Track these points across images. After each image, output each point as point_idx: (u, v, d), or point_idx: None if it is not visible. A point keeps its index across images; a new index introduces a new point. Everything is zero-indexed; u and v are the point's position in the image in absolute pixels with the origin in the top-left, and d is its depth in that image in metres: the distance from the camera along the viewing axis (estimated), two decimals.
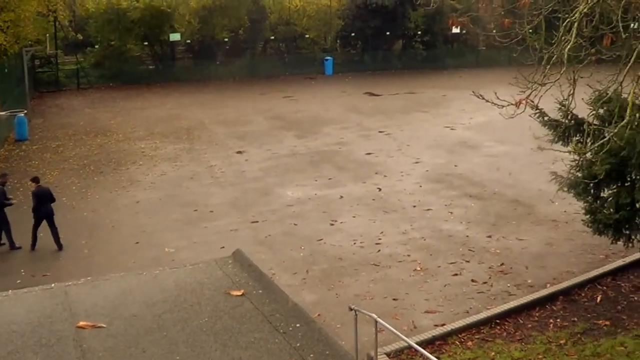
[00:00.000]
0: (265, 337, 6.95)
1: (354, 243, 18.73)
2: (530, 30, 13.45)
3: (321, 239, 19.02)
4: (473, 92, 12.45)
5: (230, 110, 38.10)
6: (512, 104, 10.67)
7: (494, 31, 19.81)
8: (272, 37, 50.19)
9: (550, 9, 13.76)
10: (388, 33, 50.25)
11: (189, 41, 47.59)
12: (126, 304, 7.75)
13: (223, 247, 17.58)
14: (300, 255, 18.01)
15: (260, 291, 8.53)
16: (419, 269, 17.10)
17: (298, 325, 7.19)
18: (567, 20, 11.19)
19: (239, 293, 8.48)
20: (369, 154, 28.25)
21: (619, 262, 17.23)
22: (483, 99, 11.42)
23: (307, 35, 49.96)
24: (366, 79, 47.42)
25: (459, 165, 26.28)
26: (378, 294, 15.82)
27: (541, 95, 10.90)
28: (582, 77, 12.03)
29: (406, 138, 30.82)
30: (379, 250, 18.20)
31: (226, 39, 47.85)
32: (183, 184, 24.82)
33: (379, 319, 11.27)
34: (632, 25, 12.93)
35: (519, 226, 19.91)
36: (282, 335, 7.00)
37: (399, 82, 45.71)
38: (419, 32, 50.70)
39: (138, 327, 6.97)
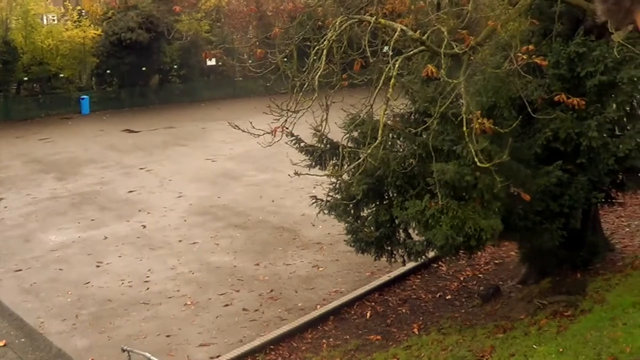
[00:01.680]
0: None
1: (122, 283, 18.38)
2: (285, 59, 13.73)
3: (88, 282, 18.53)
4: (229, 123, 12.57)
5: None
6: (267, 133, 10.85)
7: (250, 62, 20.11)
8: (26, 78, 48.42)
9: (302, 37, 14.14)
10: (144, 68, 49.73)
11: None
12: None
13: None
14: (68, 300, 17.45)
15: (23, 340, 8.24)
16: (189, 303, 17.02)
17: None
18: (316, 48, 11.50)
19: (1, 344, 8.14)
20: (131, 191, 27.81)
21: (385, 278, 17.90)
22: (239, 129, 11.55)
23: (61, 75, 48.57)
24: (124, 116, 46.67)
25: (222, 196, 26.34)
26: (151, 332, 15.60)
27: (294, 122, 11.14)
28: (335, 102, 12.39)
29: (168, 173, 30.57)
30: (148, 288, 17.96)
31: None
32: None
33: (152, 357, 11.14)
34: (383, 49, 13.46)
35: (286, 252, 20.22)
36: None
37: (158, 118, 45.31)
38: (175, 66, 50.50)
39: None
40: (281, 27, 15.52)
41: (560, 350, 11.48)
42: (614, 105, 14.31)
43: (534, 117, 13.63)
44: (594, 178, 14.47)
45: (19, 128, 43.70)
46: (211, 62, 46.47)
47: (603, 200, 15.97)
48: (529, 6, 13.46)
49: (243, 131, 11.59)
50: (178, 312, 16.61)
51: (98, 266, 19.79)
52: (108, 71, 50.11)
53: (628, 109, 14.52)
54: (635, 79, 13.88)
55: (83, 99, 48.56)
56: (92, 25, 49.55)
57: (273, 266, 19.19)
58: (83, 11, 51.35)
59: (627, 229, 20.04)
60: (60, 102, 48.81)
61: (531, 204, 13.34)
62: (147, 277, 18.77)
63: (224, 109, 46.17)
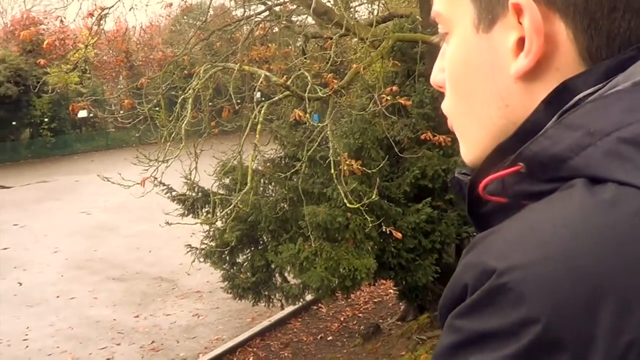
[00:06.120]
0: None
1: (0, 343, 17.88)
2: (157, 108, 13.72)
3: None
4: (99, 175, 12.45)
5: None
6: (137, 184, 10.80)
7: (121, 112, 19.99)
8: None
9: (169, 86, 14.16)
10: (14, 123, 48.75)
11: None
12: None
13: None
14: None
15: None
16: (70, 359, 16.68)
17: None
18: (182, 97, 11.54)
19: None
20: (6, 249, 27.07)
21: (266, 323, 17.91)
22: (109, 181, 11.44)
23: None
24: None
25: (98, 249, 25.91)
26: None
27: (164, 172, 11.12)
28: (205, 150, 12.41)
29: (42, 228, 29.91)
30: (27, 347, 17.49)
31: None
32: None
33: None
34: (255, 95, 13.58)
35: (165, 302, 20.01)
36: None
37: (30, 172, 44.35)
38: (46, 119, 49.68)
39: None
40: (149, 77, 15.51)
41: None
42: None
43: (402, 157, 13.94)
44: (463, 213, 14.80)
45: None
46: (82, 114, 45.90)
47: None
48: (390, 48, 13.80)
49: (113, 183, 11.48)
50: None
51: None
52: None
53: None
54: None
55: None
56: None
57: (153, 317, 18.97)
58: None
59: None
60: None
61: (403, 241, 13.59)
62: (26, 335, 18.28)
63: (97, 161, 45.56)
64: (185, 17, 46.97)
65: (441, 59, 1.27)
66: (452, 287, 1.00)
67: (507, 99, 1.12)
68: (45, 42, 18.65)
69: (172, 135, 11.53)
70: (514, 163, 1.05)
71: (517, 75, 1.08)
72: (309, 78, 11.03)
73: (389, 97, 12.10)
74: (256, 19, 15.69)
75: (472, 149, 1.24)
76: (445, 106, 1.27)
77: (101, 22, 13.34)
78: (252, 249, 15.18)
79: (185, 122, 10.70)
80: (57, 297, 21.16)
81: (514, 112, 1.12)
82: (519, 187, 1.06)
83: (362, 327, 17.46)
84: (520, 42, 1.07)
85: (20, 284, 22.60)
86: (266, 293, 15.39)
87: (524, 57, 1.06)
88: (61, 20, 16.39)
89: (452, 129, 1.28)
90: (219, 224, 14.30)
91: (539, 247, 0.91)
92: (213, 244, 15.14)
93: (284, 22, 15.05)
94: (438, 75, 1.28)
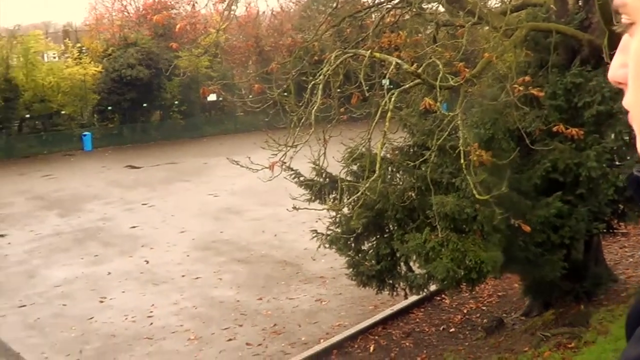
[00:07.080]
0: None
1: (126, 318, 18.33)
2: (284, 94, 13.79)
3: (92, 318, 18.48)
4: (228, 158, 12.59)
5: None
6: (265, 168, 10.87)
7: (250, 97, 20.16)
8: (28, 115, 48.37)
9: (299, 72, 14.20)
10: (145, 105, 49.88)
11: None
12: None
13: None
14: (72, 336, 17.41)
15: None
16: (192, 337, 16.98)
17: None
18: (312, 83, 11.54)
19: None
20: (134, 227, 27.79)
21: (388, 311, 17.84)
22: (238, 164, 11.55)
23: (63, 112, 48.66)
24: (126, 152, 46.74)
25: (224, 231, 26.32)
26: None
27: (293, 157, 11.15)
28: (333, 136, 12.41)
29: (170, 208, 30.57)
30: (152, 323, 17.92)
31: None
32: None
33: None
34: (383, 82, 13.50)
35: (289, 286, 20.17)
36: None
37: (159, 153, 45.38)
38: (176, 102, 50.66)
39: None
40: (279, 62, 15.60)
41: None
42: (612, 135, 14.35)
43: (533, 149, 13.65)
44: (594, 209, 14.45)
45: (21, 165, 43.73)
46: (212, 98, 46.56)
47: (604, 230, 15.91)
48: (524, 37, 13.53)
49: (242, 166, 11.59)
50: (181, 347, 16.57)
51: (102, 301, 19.75)
52: (109, 108, 50.22)
53: (627, 138, 14.50)
54: None
55: (85, 135, 48.57)
56: (92, 62, 49.78)
57: (276, 300, 19.15)
58: (83, 48, 51.69)
59: (631, 260, 19.98)
60: (63, 139, 48.79)
61: (532, 235, 13.32)
62: (151, 312, 18.73)
63: (225, 144, 46.20)
64: (315, 3, 47.20)
65: (622, 52, 1.18)
66: None
67: None
68: (177, 26, 18.98)
69: (302, 120, 11.56)
70: None
71: None
72: (440, 66, 10.90)
73: (521, 88, 11.88)
74: (387, 6, 15.60)
75: None
76: (628, 102, 1.18)
77: (232, 7, 13.49)
78: (378, 236, 15.12)
79: (315, 108, 10.71)
80: (182, 276, 21.58)
81: None
82: None
83: (485, 320, 17.23)
84: None
85: (147, 262, 23.14)
86: (390, 281, 15.31)
87: None
88: (193, 5, 16.65)
89: (631, 123, 1.20)
90: (345, 210, 14.30)
91: None
92: (339, 230, 15.15)
93: (414, 10, 14.89)
94: (618, 70, 1.19)
